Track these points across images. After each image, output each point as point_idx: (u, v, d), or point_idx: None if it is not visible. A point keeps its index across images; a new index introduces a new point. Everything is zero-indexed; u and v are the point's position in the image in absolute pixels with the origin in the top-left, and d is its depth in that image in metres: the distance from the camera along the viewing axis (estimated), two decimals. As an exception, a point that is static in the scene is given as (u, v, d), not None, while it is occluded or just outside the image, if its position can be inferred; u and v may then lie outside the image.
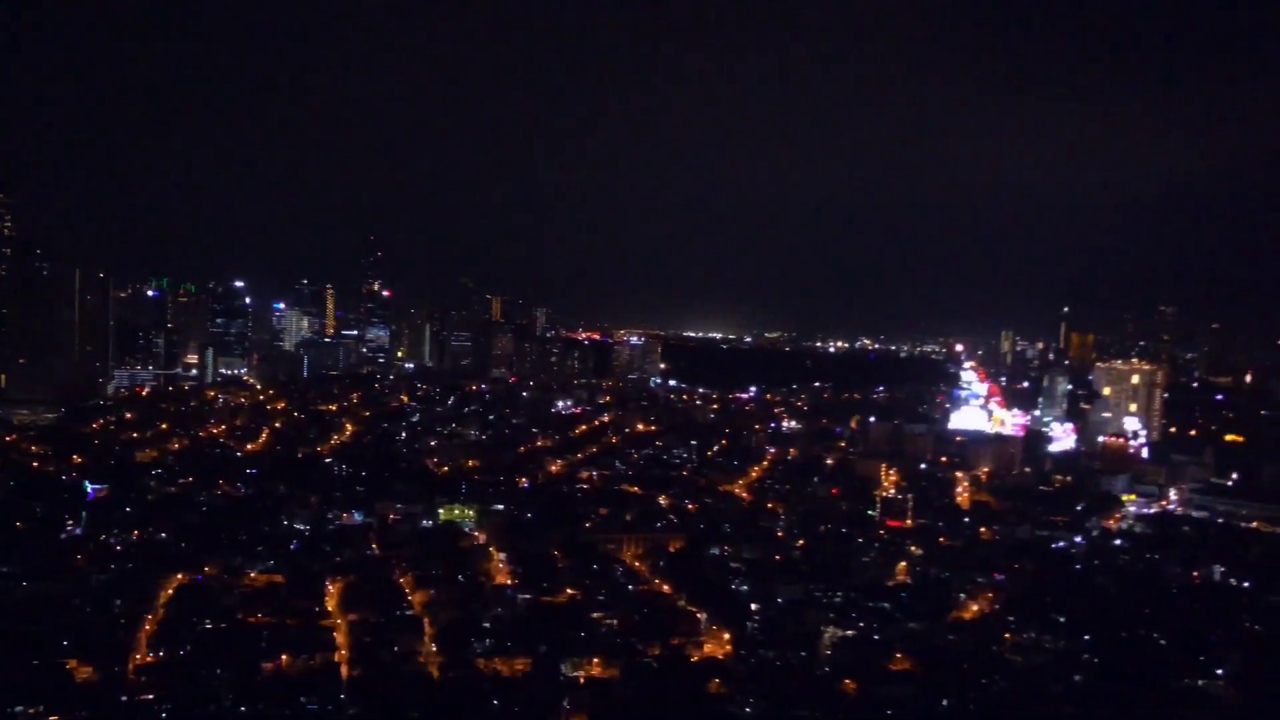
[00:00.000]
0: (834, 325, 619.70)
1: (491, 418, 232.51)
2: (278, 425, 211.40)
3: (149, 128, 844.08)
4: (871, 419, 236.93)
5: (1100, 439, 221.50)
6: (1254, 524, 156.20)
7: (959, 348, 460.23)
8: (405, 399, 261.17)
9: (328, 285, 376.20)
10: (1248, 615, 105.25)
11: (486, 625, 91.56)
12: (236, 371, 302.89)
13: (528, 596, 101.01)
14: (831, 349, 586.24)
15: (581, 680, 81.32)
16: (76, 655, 78.52)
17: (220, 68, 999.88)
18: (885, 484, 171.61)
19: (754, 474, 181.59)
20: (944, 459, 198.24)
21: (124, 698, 73.01)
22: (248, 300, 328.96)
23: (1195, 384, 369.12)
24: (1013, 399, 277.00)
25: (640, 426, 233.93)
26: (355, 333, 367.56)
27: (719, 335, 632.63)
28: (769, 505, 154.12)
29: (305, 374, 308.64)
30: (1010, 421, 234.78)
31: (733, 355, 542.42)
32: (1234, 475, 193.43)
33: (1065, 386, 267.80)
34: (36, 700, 69.64)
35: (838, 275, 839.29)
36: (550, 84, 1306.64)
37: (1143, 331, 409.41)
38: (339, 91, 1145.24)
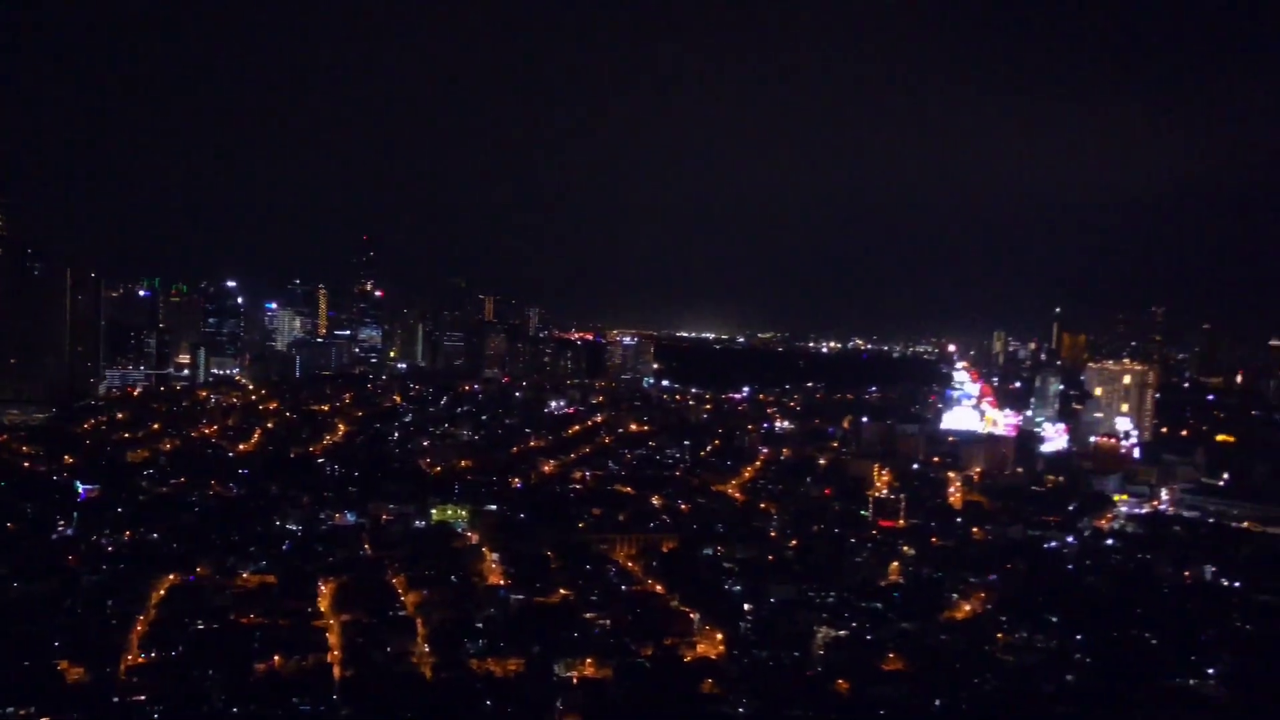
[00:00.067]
0: (827, 326, 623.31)
1: (484, 418, 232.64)
2: (270, 425, 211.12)
3: (141, 127, 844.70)
4: (864, 419, 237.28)
5: (1092, 439, 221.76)
6: (1245, 524, 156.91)
7: (951, 348, 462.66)
8: (398, 399, 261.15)
9: (320, 285, 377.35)
10: (1239, 615, 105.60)
11: (479, 626, 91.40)
12: (228, 371, 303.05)
13: (520, 597, 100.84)
14: (824, 349, 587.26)
15: (574, 680, 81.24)
16: (68, 656, 78.34)
17: (214, 67, 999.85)
18: (878, 484, 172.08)
19: (747, 474, 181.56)
20: (936, 459, 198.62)
21: (116, 699, 72.80)
22: (240, 300, 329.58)
23: (1186, 384, 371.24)
24: (1005, 399, 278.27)
25: (633, 427, 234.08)
26: (348, 333, 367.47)
27: (712, 336, 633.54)
28: (762, 505, 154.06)
29: (298, 374, 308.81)
30: (1002, 421, 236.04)
31: (726, 355, 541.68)
32: (1225, 475, 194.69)
33: (1057, 387, 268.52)
34: (28, 701, 69.32)
35: (831, 276, 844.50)
36: (545, 84, 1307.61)
37: (1134, 332, 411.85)
38: (333, 91, 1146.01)
